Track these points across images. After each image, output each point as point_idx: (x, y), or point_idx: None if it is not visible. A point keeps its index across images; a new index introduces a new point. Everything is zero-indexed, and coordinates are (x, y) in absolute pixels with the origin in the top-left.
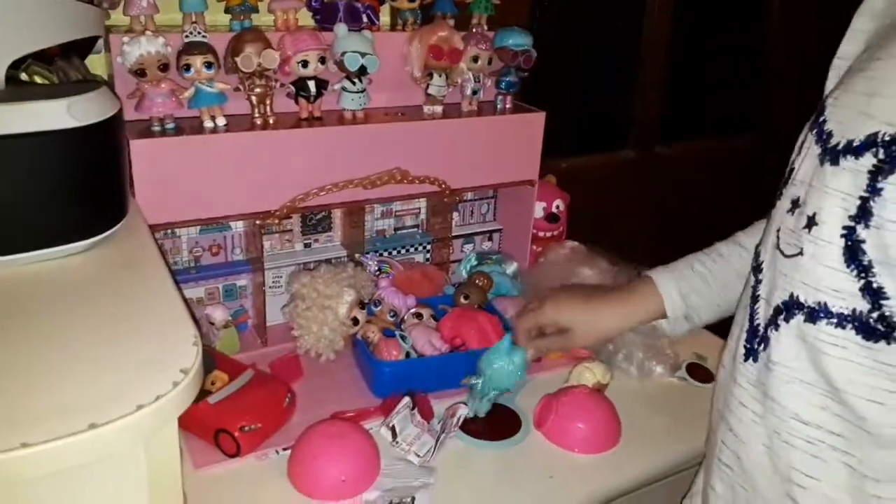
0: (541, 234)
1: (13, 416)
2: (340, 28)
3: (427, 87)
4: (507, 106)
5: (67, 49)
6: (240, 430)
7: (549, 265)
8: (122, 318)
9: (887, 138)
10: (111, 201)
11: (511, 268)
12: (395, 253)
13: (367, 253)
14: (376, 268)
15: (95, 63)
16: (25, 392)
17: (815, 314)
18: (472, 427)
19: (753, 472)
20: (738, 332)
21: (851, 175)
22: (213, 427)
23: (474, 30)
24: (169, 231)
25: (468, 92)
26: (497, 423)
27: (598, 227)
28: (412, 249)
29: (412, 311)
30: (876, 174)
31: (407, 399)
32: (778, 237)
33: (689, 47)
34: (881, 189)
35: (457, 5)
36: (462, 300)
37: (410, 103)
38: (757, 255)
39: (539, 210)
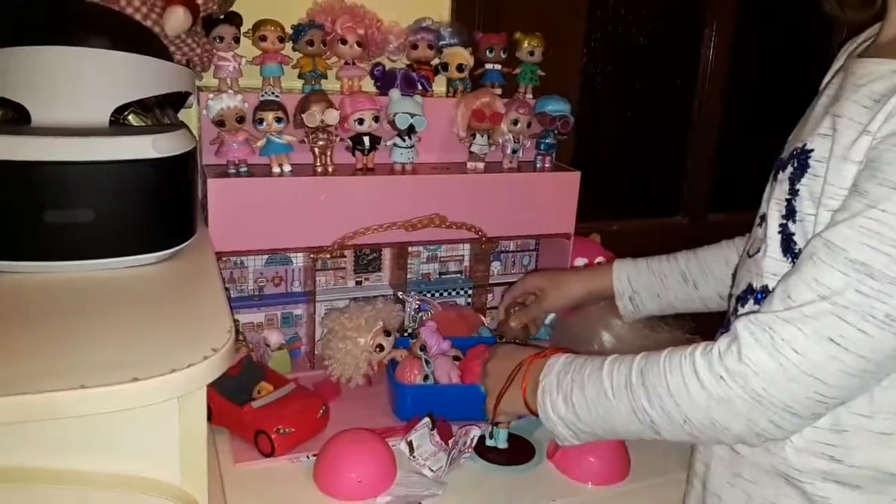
0: None
1: (77, 367)
2: (394, 92)
3: (470, 145)
4: (547, 165)
5: (163, 101)
6: (276, 431)
7: (581, 315)
8: (175, 310)
9: (798, 151)
10: (181, 222)
11: (549, 317)
12: (437, 295)
13: (411, 293)
14: (417, 306)
15: (189, 115)
16: (87, 353)
17: (759, 296)
18: (488, 452)
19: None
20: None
21: (781, 184)
22: (253, 428)
23: (519, 97)
24: (238, 261)
25: (508, 151)
26: (512, 451)
27: None
28: (454, 293)
29: (445, 353)
30: (794, 179)
31: (427, 419)
32: (748, 247)
33: (742, 119)
34: (798, 190)
35: (505, 76)
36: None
37: (456, 160)
38: (736, 266)
39: (580, 265)
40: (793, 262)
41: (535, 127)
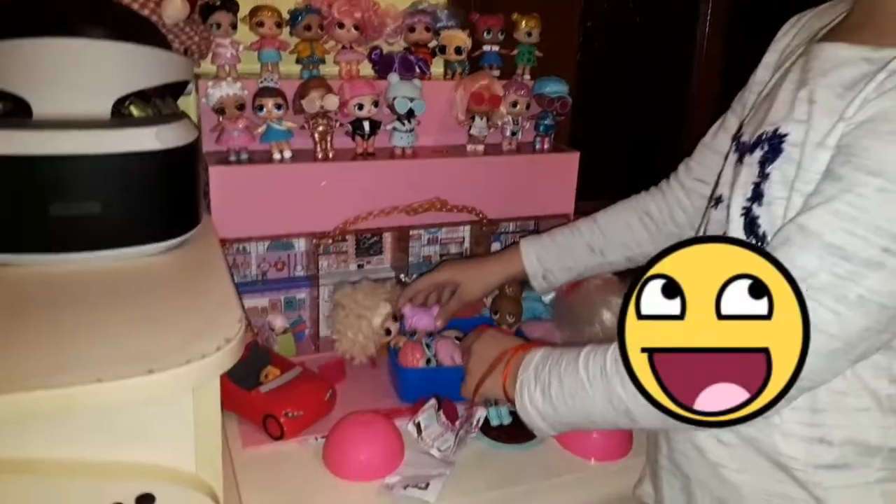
0: None
1: (91, 360)
2: (393, 76)
3: (470, 128)
4: (546, 147)
5: (163, 90)
6: (284, 415)
7: (581, 294)
8: (185, 300)
9: (769, 134)
10: (187, 211)
11: (549, 296)
12: None
13: (412, 275)
14: None
15: (188, 103)
16: (100, 345)
17: None
18: (493, 431)
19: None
20: None
21: (749, 168)
22: (262, 412)
23: (517, 79)
24: (240, 247)
25: (507, 133)
26: (516, 429)
27: None
28: None
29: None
30: (764, 163)
31: (433, 400)
32: (705, 229)
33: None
34: (769, 174)
35: (502, 58)
36: (493, 316)
37: (456, 143)
38: None
39: None
40: (756, 243)
41: (534, 108)
